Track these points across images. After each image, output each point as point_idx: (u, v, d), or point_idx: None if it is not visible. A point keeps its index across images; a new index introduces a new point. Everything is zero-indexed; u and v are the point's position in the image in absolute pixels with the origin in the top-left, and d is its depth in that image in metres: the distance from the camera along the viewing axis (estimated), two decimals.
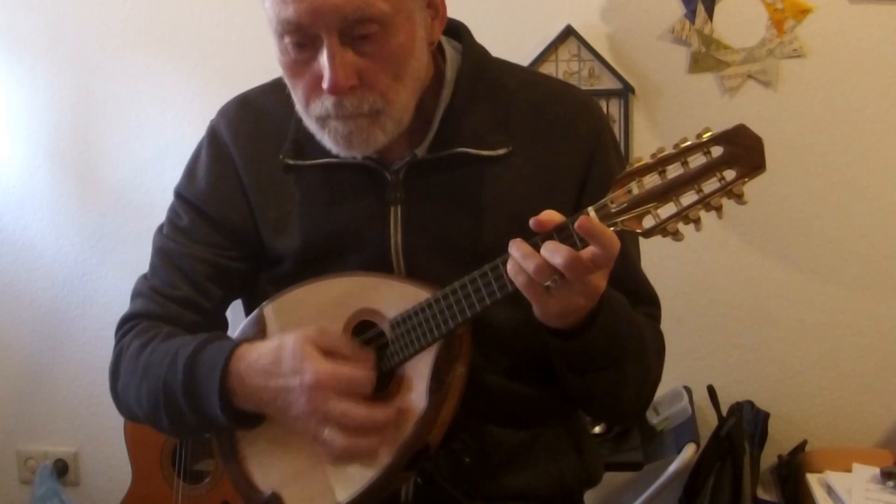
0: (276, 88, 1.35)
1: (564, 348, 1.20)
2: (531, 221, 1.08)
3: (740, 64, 2.25)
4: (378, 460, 1.21)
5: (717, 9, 2.23)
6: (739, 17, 2.23)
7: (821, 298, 2.30)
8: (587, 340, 1.17)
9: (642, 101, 2.30)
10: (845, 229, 2.27)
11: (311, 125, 1.24)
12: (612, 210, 1.07)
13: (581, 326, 1.16)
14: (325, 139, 1.23)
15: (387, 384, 1.24)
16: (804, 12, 2.21)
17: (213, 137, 1.39)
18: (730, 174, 1.03)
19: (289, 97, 1.28)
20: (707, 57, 2.26)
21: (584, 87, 2.27)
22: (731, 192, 1.02)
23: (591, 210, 1.07)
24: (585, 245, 1.06)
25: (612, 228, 1.06)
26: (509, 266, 1.10)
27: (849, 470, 2.04)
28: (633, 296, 1.28)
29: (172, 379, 1.25)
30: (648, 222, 1.07)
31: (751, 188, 1.03)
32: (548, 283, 1.07)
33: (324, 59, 1.15)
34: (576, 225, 1.04)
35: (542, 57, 2.29)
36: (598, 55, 2.27)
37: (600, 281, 1.10)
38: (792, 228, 2.29)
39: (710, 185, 1.03)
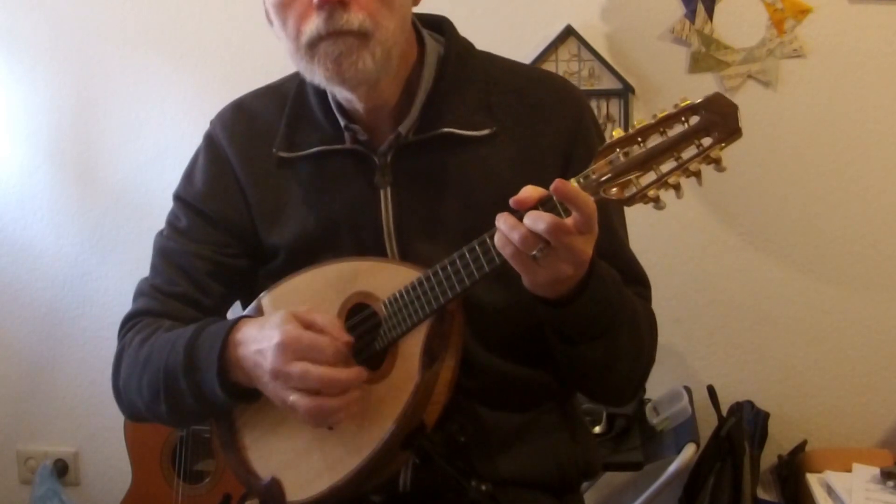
0: (268, 91, 1.42)
1: (557, 317, 1.21)
2: (511, 201, 1.11)
3: (740, 64, 2.25)
4: (374, 437, 1.22)
5: (717, 9, 2.23)
6: (739, 17, 2.24)
7: (821, 298, 2.31)
8: (578, 308, 1.18)
9: (642, 101, 2.30)
10: (845, 229, 2.28)
11: (302, 63, 1.26)
12: (595, 180, 1.09)
13: (572, 295, 1.17)
14: (317, 71, 1.25)
15: (381, 363, 1.25)
16: (804, 12, 2.21)
17: (210, 141, 1.44)
18: (707, 141, 1.05)
19: (282, 98, 1.35)
20: (707, 57, 2.26)
21: (584, 87, 2.27)
22: (708, 157, 1.04)
23: (572, 179, 1.10)
24: (569, 215, 1.08)
25: (595, 198, 1.08)
26: (496, 238, 1.12)
27: (849, 470, 2.05)
28: (621, 275, 1.29)
29: (173, 360, 1.27)
30: (631, 192, 1.09)
31: (751, 188, 1.04)
32: (534, 252, 1.09)
33: None
34: (551, 188, 1.07)
35: (542, 57, 2.29)
36: (598, 55, 2.28)
37: (585, 247, 1.12)
38: (792, 228, 2.29)
39: (689, 153, 1.06)
